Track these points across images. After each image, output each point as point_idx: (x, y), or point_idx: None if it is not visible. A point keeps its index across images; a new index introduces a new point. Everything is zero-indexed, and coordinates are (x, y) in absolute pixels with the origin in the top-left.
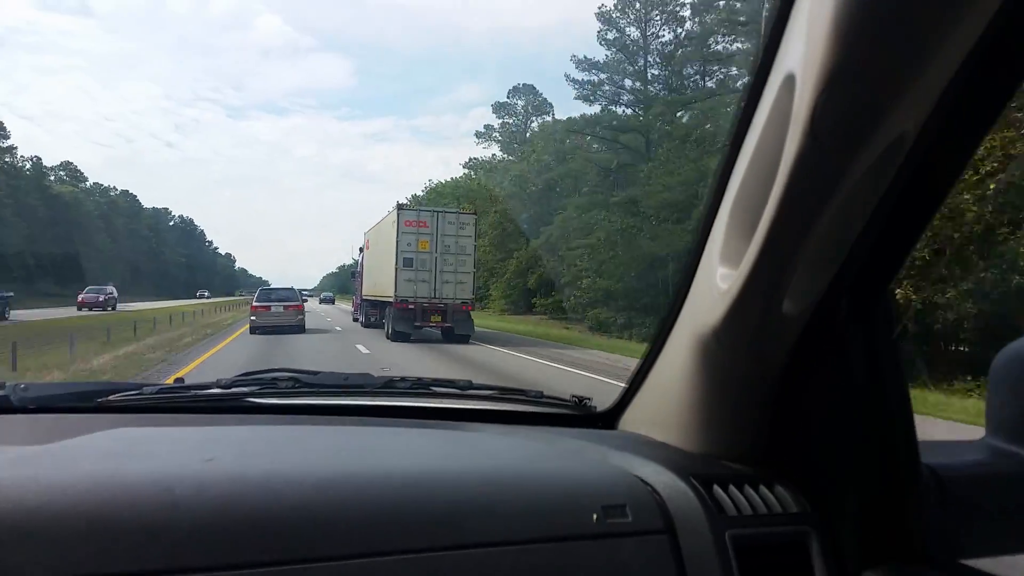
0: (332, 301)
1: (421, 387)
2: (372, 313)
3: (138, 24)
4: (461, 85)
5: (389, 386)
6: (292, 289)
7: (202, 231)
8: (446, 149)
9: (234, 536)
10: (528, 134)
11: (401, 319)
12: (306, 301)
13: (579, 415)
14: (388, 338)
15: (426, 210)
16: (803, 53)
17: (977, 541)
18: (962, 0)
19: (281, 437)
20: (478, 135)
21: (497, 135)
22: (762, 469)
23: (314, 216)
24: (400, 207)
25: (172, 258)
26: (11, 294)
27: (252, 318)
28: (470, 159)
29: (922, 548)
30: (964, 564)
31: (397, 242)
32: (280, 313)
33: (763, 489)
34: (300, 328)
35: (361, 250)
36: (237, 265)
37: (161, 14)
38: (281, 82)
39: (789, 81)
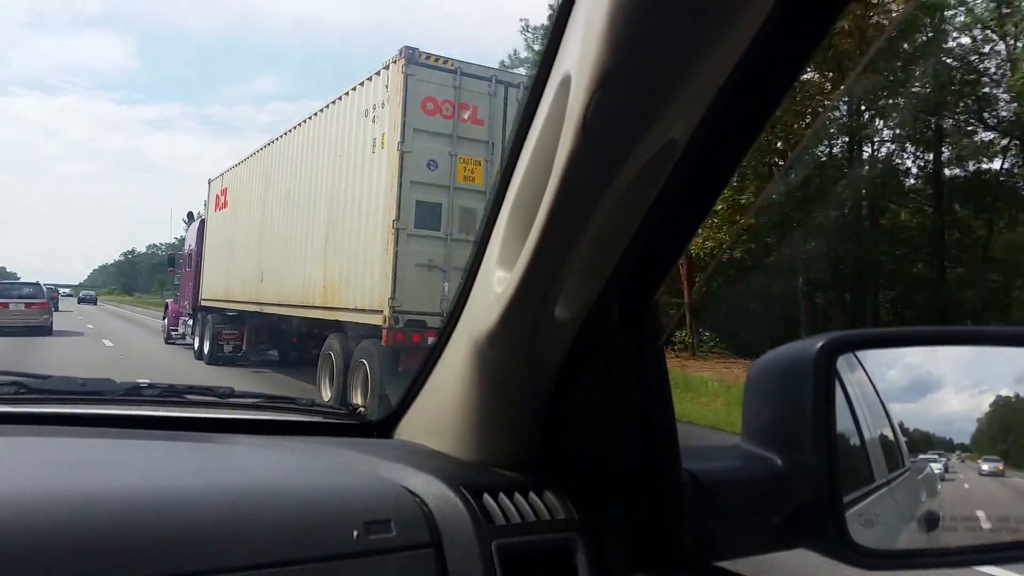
0: (93, 301)
1: (172, 395)
2: (230, 336)
3: None
4: (259, 76)
5: (134, 393)
6: (37, 284)
7: None
8: (240, 142)
9: None
10: None
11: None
12: (56, 297)
13: (353, 424)
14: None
15: (479, 76)
16: (579, 53)
17: (730, 543)
18: (730, 11)
19: None
20: None
21: None
22: (534, 476)
23: (83, 207)
24: (412, 54)
25: None
26: None
27: None
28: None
29: (683, 552)
30: (718, 567)
31: (402, 157)
32: (20, 312)
33: (533, 497)
34: (46, 330)
35: (191, 216)
36: None
37: None
38: (51, 56)
39: (566, 81)
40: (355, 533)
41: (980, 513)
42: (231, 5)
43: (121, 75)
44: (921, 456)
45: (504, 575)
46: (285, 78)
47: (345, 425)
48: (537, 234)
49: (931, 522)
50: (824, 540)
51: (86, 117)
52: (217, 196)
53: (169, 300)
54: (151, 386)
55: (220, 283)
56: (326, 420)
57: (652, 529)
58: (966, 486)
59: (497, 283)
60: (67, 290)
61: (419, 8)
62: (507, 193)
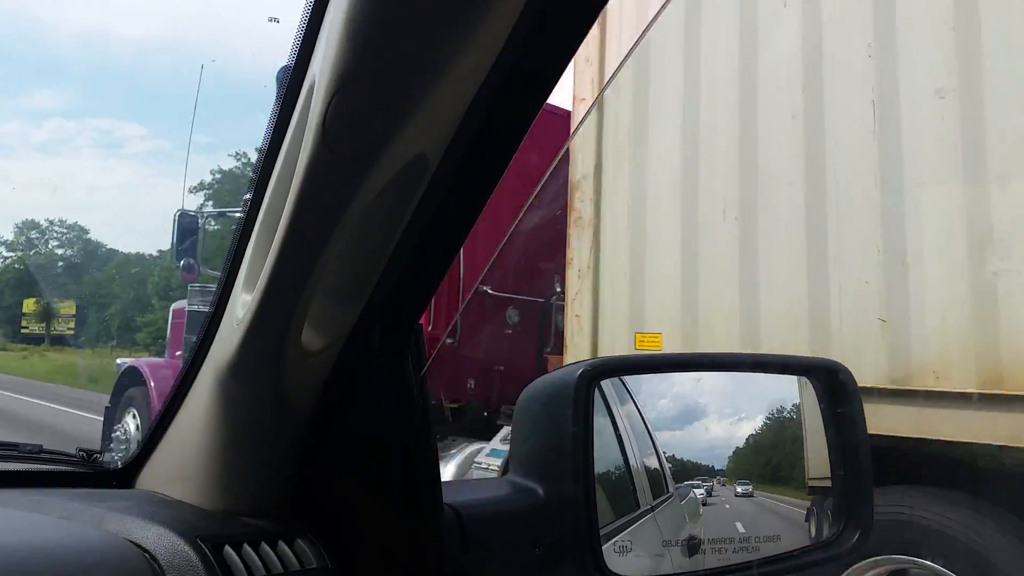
0: None
1: None
2: None
3: None
4: (36, 89)
5: None
6: None
7: None
8: (10, 162)
9: None
10: None
11: None
12: None
13: (88, 473)
14: None
15: None
16: (323, 55)
17: None
18: (474, 21)
19: None
20: None
21: None
22: (285, 523)
23: None
24: None
25: None
26: None
27: None
28: None
29: None
30: None
31: None
32: None
33: (282, 546)
34: None
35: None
36: None
37: None
38: None
39: (311, 87)
40: None
41: (737, 532)
42: (4, 9)
43: None
44: (687, 482)
45: None
46: (67, 93)
47: (80, 475)
48: (276, 252)
49: (693, 546)
50: (581, 571)
51: None
52: None
53: (137, 362)
54: None
55: None
56: (55, 469)
57: (412, 570)
58: (727, 507)
59: (240, 307)
60: None
61: (223, 27)
62: (259, 209)
